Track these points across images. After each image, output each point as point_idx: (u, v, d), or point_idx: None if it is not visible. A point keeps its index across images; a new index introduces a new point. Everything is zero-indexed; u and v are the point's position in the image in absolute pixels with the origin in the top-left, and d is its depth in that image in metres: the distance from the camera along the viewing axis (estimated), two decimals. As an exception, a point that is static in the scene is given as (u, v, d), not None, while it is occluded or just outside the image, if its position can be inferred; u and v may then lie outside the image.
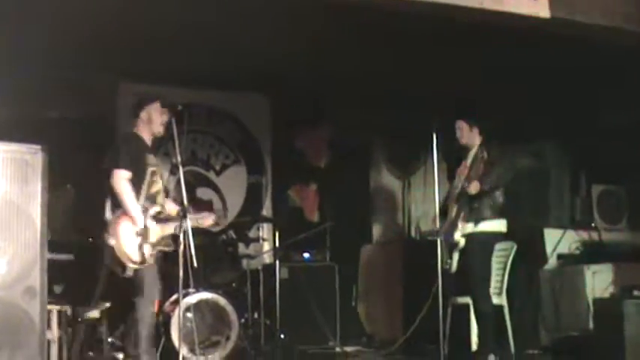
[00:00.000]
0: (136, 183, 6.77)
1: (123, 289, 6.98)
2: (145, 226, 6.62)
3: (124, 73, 9.88)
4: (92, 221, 8.99)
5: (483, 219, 7.58)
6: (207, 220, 7.27)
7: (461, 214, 7.66)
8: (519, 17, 6.98)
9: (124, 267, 6.58)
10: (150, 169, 6.91)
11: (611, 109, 9.49)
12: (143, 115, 7.10)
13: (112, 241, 6.57)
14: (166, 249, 6.89)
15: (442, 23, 7.41)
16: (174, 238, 6.74)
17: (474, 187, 7.48)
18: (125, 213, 6.65)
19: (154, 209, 6.78)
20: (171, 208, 7.13)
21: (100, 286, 7.38)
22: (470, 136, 7.84)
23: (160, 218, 6.83)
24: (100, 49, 8.71)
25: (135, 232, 6.60)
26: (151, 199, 6.86)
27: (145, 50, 8.85)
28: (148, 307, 6.80)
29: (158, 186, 6.99)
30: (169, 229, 6.80)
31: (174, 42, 8.61)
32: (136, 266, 6.61)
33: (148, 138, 7.10)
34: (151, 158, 6.99)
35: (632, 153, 9.25)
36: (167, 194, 7.35)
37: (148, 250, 6.65)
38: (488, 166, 7.41)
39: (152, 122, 7.07)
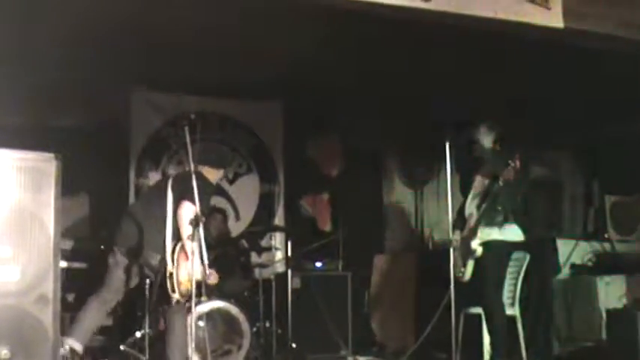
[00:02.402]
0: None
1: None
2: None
3: (138, 80, 9.90)
4: (105, 229, 9.05)
5: (505, 223, 7.58)
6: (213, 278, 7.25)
7: (482, 222, 7.64)
8: (533, 27, 6.97)
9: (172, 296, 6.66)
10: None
11: (624, 120, 9.47)
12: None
13: (171, 268, 6.70)
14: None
15: (456, 33, 7.40)
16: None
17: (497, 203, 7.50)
18: (184, 246, 6.77)
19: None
20: None
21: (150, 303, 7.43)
22: (489, 148, 7.84)
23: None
24: (114, 56, 8.73)
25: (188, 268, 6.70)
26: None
27: (159, 58, 8.86)
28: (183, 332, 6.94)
29: None
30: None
31: (188, 50, 8.61)
32: (181, 299, 6.73)
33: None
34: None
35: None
36: None
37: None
38: (517, 174, 7.38)
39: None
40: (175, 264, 6.69)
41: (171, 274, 6.66)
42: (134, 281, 7.18)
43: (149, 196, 7.37)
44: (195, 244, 6.50)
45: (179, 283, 6.66)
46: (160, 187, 7.34)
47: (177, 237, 6.88)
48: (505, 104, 9.36)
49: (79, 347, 6.79)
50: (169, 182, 7.15)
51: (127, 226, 7.20)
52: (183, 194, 6.87)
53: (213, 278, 6.99)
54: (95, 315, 7.02)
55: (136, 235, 7.07)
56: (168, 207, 6.95)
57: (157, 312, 7.78)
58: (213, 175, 7.52)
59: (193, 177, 6.75)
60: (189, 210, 6.73)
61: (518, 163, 7.27)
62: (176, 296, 6.68)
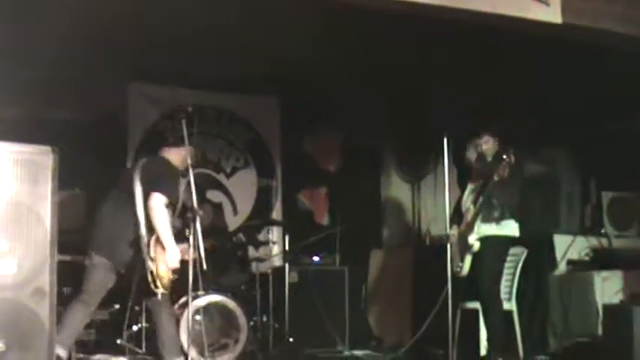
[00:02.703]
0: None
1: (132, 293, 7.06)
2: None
3: (135, 74, 9.89)
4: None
5: (501, 219, 7.60)
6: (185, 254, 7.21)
7: (479, 217, 7.65)
8: (532, 23, 6.97)
9: (155, 289, 6.61)
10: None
11: (622, 116, 9.47)
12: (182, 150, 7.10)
13: (151, 264, 6.58)
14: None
15: (454, 28, 7.40)
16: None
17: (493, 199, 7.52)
18: (158, 239, 6.68)
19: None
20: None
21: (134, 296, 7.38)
22: (494, 148, 7.86)
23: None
24: (111, 50, 8.73)
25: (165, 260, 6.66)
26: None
27: (156, 52, 8.86)
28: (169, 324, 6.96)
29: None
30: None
31: (185, 43, 8.61)
32: (165, 291, 6.68)
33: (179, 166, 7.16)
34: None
35: (643, 159, 9.24)
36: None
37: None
38: (511, 170, 7.39)
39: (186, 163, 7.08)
40: (153, 258, 6.60)
41: (151, 271, 6.54)
42: (112, 280, 7.01)
43: (117, 189, 7.17)
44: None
45: (160, 277, 6.58)
46: (127, 179, 7.07)
47: (150, 230, 6.70)
48: (502, 101, 9.36)
49: (63, 353, 6.71)
50: (136, 173, 6.91)
51: (98, 225, 7.03)
52: (152, 185, 6.74)
53: (186, 254, 6.97)
54: (78, 320, 6.91)
55: (108, 234, 6.94)
56: (138, 200, 6.75)
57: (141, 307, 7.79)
58: (177, 155, 7.17)
59: (190, 171, 6.74)
60: (159, 200, 6.63)
61: (512, 158, 7.27)
62: (160, 290, 6.62)
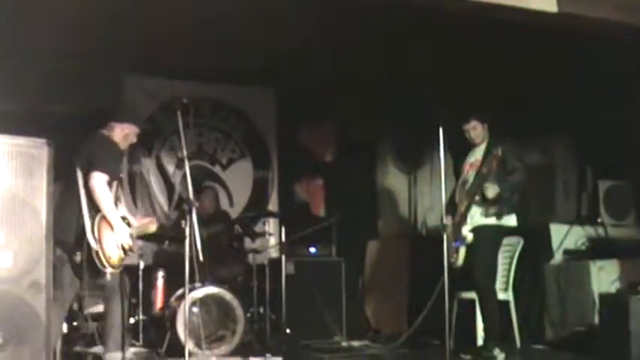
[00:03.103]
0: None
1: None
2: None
3: (131, 67, 9.88)
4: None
5: (500, 215, 7.60)
6: (151, 225, 7.13)
7: (475, 211, 7.64)
8: (527, 12, 6.96)
9: (104, 271, 6.51)
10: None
11: (618, 104, 9.46)
12: (124, 127, 7.05)
13: (95, 245, 6.42)
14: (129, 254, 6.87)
15: (449, 17, 7.39)
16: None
17: (491, 192, 7.48)
18: (104, 217, 6.58)
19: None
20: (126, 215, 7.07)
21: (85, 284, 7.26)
22: (482, 134, 7.87)
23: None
24: (106, 42, 8.72)
25: (114, 239, 6.59)
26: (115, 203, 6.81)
27: (151, 44, 8.86)
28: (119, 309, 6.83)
29: (118, 192, 6.94)
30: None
31: (180, 35, 8.61)
32: (115, 271, 6.55)
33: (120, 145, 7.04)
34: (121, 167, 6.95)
35: (639, 148, 9.22)
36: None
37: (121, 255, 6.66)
38: (501, 164, 7.40)
39: (129, 140, 7.06)
40: (97, 240, 6.44)
41: (96, 252, 6.39)
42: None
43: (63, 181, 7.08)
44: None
45: (108, 258, 6.44)
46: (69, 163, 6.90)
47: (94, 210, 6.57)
48: (498, 90, 9.35)
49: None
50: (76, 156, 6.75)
51: (56, 218, 6.95)
52: (91, 164, 6.60)
53: (151, 225, 6.95)
54: (57, 319, 6.82)
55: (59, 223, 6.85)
56: (80, 182, 6.60)
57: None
58: (120, 132, 7.02)
59: (186, 162, 6.73)
60: (101, 179, 6.53)
61: (500, 152, 7.27)
62: (108, 270, 6.46)
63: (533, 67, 9.04)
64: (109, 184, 6.63)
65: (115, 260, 6.52)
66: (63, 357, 7.03)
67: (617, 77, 8.73)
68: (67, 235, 6.48)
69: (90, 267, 6.42)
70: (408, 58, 9.15)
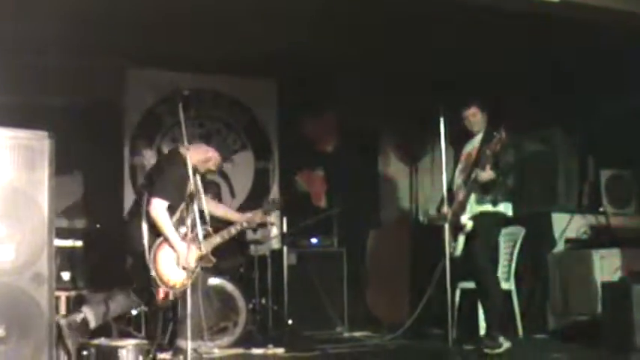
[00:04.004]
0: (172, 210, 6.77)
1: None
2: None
3: (132, 58, 9.86)
4: (99, 208, 9.05)
5: (495, 202, 7.57)
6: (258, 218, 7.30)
7: (471, 198, 7.62)
8: (528, 1, 6.95)
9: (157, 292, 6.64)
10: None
11: (620, 93, 9.44)
12: (208, 150, 7.14)
13: (153, 271, 6.62)
14: (208, 264, 6.90)
15: (450, 6, 7.38)
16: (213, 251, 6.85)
17: (486, 175, 7.45)
18: (165, 241, 6.71)
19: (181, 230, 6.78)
20: (220, 210, 7.24)
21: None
22: (481, 122, 7.83)
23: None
24: (107, 34, 8.70)
25: (174, 260, 6.71)
26: (181, 220, 6.78)
27: (152, 36, 8.84)
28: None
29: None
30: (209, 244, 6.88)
31: (181, 27, 8.59)
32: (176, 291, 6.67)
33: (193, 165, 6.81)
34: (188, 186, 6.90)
35: (641, 137, 9.23)
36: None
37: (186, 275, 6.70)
38: (504, 147, 7.36)
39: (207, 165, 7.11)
40: (154, 263, 6.62)
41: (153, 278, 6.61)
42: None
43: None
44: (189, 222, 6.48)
45: (166, 281, 6.65)
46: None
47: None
48: (500, 79, 9.34)
49: (92, 323, 6.77)
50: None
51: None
52: (149, 189, 6.77)
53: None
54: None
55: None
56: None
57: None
58: (198, 154, 7.07)
59: (188, 155, 6.71)
60: (160, 206, 6.65)
61: (504, 134, 7.25)
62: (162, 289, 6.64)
63: (536, 55, 9.02)
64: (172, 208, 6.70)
65: (173, 282, 6.69)
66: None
67: (619, 65, 8.72)
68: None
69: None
70: (409, 48, 9.13)
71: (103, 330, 7.65)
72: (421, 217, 11.53)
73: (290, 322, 9.02)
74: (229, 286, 8.08)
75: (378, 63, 9.69)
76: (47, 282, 5.53)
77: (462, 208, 7.68)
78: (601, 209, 9.60)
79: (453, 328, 7.76)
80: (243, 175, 10.96)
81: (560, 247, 9.26)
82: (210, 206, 7.13)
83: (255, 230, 9.60)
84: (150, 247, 6.66)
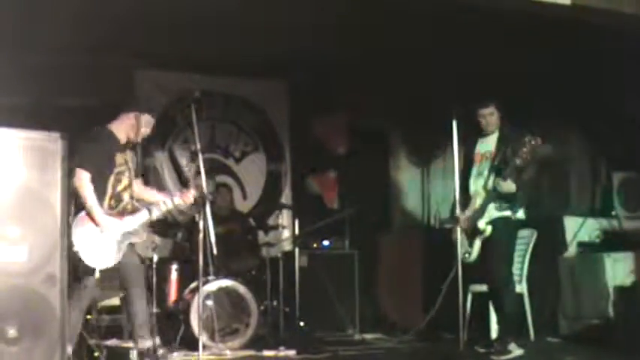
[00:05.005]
0: (102, 185, 6.67)
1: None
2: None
3: (143, 60, 9.88)
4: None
5: (515, 209, 7.52)
6: (187, 197, 7.09)
7: (489, 205, 7.54)
8: (540, 4, 6.94)
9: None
10: (116, 170, 6.79)
11: (632, 96, 9.42)
12: (131, 116, 6.98)
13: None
14: (138, 240, 6.85)
15: (462, 8, 7.37)
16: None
17: (507, 187, 7.41)
18: (87, 215, 6.55)
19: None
20: (145, 195, 7.06)
21: None
22: (496, 122, 7.74)
23: (127, 211, 6.80)
24: (118, 36, 8.72)
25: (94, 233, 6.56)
26: (117, 198, 6.77)
27: (163, 37, 8.87)
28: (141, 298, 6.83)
29: (124, 184, 6.85)
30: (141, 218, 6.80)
31: (192, 29, 8.61)
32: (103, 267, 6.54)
33: (123, 137, 6.91)
34: (119, 157, 6.85)
35: (654, 140, 9.21)
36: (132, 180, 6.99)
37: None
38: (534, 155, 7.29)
39: (137, 129, 6.95)
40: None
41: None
42: None
43: None
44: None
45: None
46: None
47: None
48: (512, 81, 9.32)
49: None
50: None
51: None
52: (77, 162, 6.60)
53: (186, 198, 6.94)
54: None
55: None
56: None
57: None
58: (122, 124, 6.98)
59: (200, 155, 6.72)
60: (83, 177, 6.55)
61: (538, 141, 7.16)
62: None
63: (548, 58, 9.00)
64: (96, 180, 6.59)
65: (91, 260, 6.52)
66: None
67: (630, 68, 8.70)
68: None
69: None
70: (422, 50, 9.11)
71: (115, 331, 7.69)
72: (433, 220, 11.52)
73: (301, 324, 9.02)
74: (241, 288, 8.09)
75: (390, 64, 9.68)
76: (60, 283, 5.54)
77: (479, 214, 7.60)
78: (613, 213, 9.57)
79: (464, 331, 7.74)
80: (255, 177, 10.98)
81: (572, 250, 9.24)
82: (140, 189, 7.06)
83: (266, 232, 9.62)
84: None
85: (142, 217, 6.77)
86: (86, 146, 6.68)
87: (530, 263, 8.51)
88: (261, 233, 9.80)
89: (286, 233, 10.15)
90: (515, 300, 7.76)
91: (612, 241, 9.15)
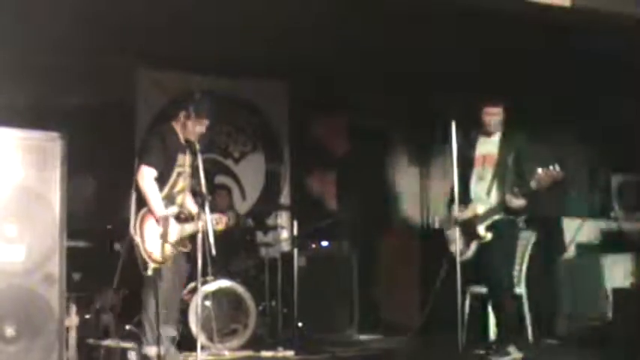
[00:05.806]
0: (162, 182, 6.76)
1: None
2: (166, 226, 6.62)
3: (143, 60, 9.88)
4: (112, 208, 9.04)
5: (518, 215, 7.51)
6: (220, 224, 7.11)
7: (494, 212, 7.50)
8: (541, 6, 6.93)
9: (145, 265, 6.56)
10: (176, 170, 6.88)
11: (631, 98, 9.42)
12: (186, 114, 6.97)
13: (137, 239, 6.54)
14: (183, 249, 6.87)
15: (464, 10, 7.37)
16: (192, 239, 6.73)
17: (518, 203, 7.34)
18: (150, 211, 6.65)
19: (171, 209, 6.76)
20: (192, 208, 7.06)
21: (118, 277, 7.31)
22: (500, 123, 7.60)
23: (180, 218, 6.83)
24: (120, 35, 8.72)
25: (158, 232, 6.63)
26: (171, 198, 6.84)
27: (164, 37, 8.86)
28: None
29: (181, 185, 6.95)
30: (188, 229, 6.83)
31: (193, 29, 8.61)
32: (156, 265, 6.60)
33: (182, 136, 6.98)
34: (181, 158, 6.93)
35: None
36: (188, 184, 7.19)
37: (168, 249, 6.68)
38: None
39: (193, 127, 6.94)
40: (139, 234, 6.56)
41: (137, 245, 6.53)
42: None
43: None
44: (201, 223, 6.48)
45: (149, 254, 6.56)
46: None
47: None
48: (510, 83, 9.32)
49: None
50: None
51: None
52: (141, 157, 6.77)
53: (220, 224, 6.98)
54: None
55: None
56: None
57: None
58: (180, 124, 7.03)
59: (199, 157, 6.71)
60: (147, 174, 6.64)
61: (559, 170, 7.07)
62: (151, 266, 6.56)
63: (547, 60, 9.00)
64: (160, 178, 6.69)
65: (156, 255, 6.60)
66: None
67: (630, 70, 8.70)
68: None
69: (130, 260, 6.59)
70: (422, 51, 9.12)
71: (114, 332, 7.69)
72: (431, 220, 11.52)
73: (300, 324, 9.01)
74: (239, 289, 8.08)
75: (389, 65, 9.68)
76: (58, 283, 5.55)
77: (480, 221, 7.52)
78: (612, 214, 9.58)
79: (462, 332, 7.73)
80: (254, 177, 10.97)
81: (570, 252, 9.24)
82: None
83: (265, 233, 9.62)
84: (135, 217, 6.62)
85: (194, 229, 6.75)
86: (151, 142, 6.77)
87: (529, 265, 8.51)
88: (259, 234, 9.80)
89: (285, 234, 10.14)
90: (514, 302, 7.74)
91: (611, 243, 9.17)
